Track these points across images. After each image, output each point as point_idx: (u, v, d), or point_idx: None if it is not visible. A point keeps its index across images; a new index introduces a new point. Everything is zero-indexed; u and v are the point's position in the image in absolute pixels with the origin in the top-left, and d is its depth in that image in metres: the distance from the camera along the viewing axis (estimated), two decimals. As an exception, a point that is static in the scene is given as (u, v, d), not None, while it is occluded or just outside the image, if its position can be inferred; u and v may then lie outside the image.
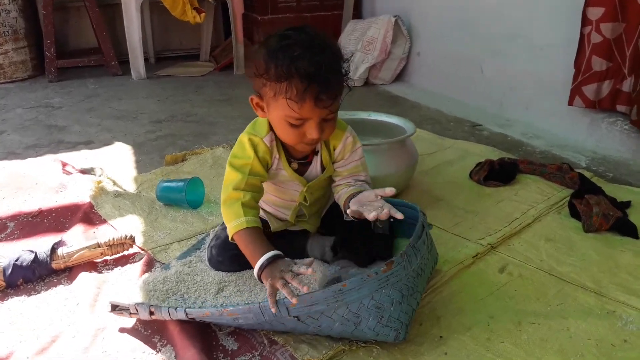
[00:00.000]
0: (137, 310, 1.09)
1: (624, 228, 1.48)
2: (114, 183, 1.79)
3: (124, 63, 3.44)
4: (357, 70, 3.22)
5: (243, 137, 1.18)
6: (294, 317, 0.98)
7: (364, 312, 0.97)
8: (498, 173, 1.81)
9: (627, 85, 1.92)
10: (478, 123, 2.49)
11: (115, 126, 2.47)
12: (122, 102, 2.86)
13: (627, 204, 1.61)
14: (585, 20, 1.97)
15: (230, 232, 1.12)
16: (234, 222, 1.10)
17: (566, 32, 2.18)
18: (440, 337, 1.08)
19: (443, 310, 1.16)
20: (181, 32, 3.97)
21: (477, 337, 1.08)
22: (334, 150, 1.23)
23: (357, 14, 3.66)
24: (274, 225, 1.30)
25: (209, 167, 1.93)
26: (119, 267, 1.34)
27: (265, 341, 1.07)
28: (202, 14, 3.28)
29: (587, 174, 1.82)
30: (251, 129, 1.19)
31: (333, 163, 1.24)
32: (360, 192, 1.17)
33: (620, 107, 1.98)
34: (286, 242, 1.30)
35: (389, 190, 1.07)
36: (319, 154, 1.22)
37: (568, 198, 1.67)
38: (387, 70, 3.28)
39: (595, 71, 1.98)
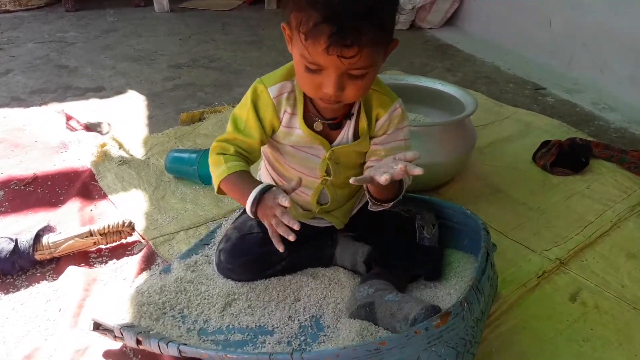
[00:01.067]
0: (122, 335, 0.89)
1: None
2: (120, 146, 1.57)
3: (148, -8, 3.14)
4: (402, 11, 2.85)
5: (252, 86, 0.96)
6: (315, 373, 0.77)
7: (405, 377, 0.75)
8: (567, 157, 1.52)
9: None
10: (541, 86, 2.15)
11: (130, 70, 2.23)
12: (141, 40, 2.60)
13: None
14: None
15: (215, 184, 0.95)
16: (216, 173, 0.93)
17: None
18: (497, 397, 0.86)
19: (501, 354, 0.93)
20: (210, -42, 3.60)
21: (545, 401, 0.86)
22: (377, 121, 0.97)
23: (407, -55, 3.23)
24: (292, 213, 1.06)
25: (229, 130, 1.69)
26: (114, 261, 1.15)
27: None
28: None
29: (677, 166, 1.51)
30: (267, 74, 0.96)
31: (372, 138, 0.98)
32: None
33: None
34: (312, 249, 1.08)
35: (411, 155, 0.80)
36: (353, 119, 0.96)
37: (653, 197, 1.39)
38: (436, 12, 2.91)
39: (701, 36, 1.62)
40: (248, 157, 0.96)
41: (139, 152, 1.56)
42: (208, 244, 1.16)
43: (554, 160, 1.51)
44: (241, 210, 1.15)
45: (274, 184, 0.92)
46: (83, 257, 1.14)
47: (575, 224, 1.28)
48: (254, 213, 0.87)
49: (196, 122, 1.73)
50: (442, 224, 1.07)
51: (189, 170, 1.38)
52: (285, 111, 0.94)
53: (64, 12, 3.00)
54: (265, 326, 0.96)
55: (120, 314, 0.95)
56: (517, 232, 1.25)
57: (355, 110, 0.95)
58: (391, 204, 0.94)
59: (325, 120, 0.95)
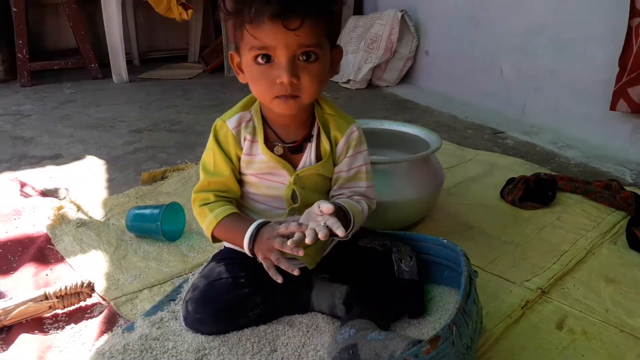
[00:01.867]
0: (82, 402, 0.80)
1: (701, 264, 1.20)
2: (79, 208, 1.50)
3: (106, 65, 3.15)
4: (359, 71, 2.94)
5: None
6: (298, 422, 0.70)
7: (397, 414, 0.69)
8: (534, 192, 1.53)
9: (681, 87, 1.64)
10: (500, 130, 2.21)
11: (89, 137, 2.18)
12: (100, 109, 2.57)
13: (697, 232, 1.33)
14: (633, 11, 1.69)
15: (207, 235, 0.98)
16: (205, 224, 0.97)
17: (604, 23, 1.91)
18: None
19: (494, 389, 0.88)
20: (168, 30, 3.69)
21: None
22: (336, 145, 0.98)
23: (359, 9, 3.38)
24: None
25: (193, 187, 1.63)
26: (72, 325, 1.05)
27: None
28: (189, 10, 2.98)
29: (640, 193, 1.54)
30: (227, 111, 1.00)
31: (335, 165, 0.99)
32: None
33: (673, 112, 1.70)
34: (286, 294, 1.02)
35: (326, 208, 0.83)
36: (314, 142, 0.97)
37: (622, 223, 1.40)
38: (392, 70, 3.00)
39: (644, 70, 1.70)
40: (229, 196, 0.98)
41: (98, 214, 1.49)
42: (174, 300, 1.09)
43: (522, 195, 1.52)
44: (208, 261, 1.09)
45: (265, 220, 0.91)
46: (37, 324, 1.05)
47: (551, 254, 1.27)
48: (252, 250, 0.89)
49: (158, 180, 1.68)
50: (419, 258, 1.04)
51: (152, 227, 1.32)
52: (245, 139, 0.95)
53: (19, 87, 2.96)
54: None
55: (78, 379, 0.86)
56: (495, 265, 1.23)
57: (314, 132, 0.97)
58: (346, 233, 0.91)
59: (285, 144, 0.95)
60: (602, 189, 1.52)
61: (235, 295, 0.96)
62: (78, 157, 1.96)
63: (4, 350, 0.99)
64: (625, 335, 1.01)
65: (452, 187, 1.63)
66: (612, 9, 1.84)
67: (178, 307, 1.05)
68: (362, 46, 2.93)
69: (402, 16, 2.84)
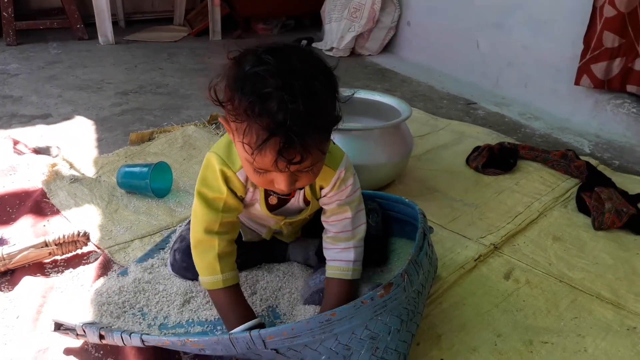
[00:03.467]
0: (84, 332, 0.91)
1: (638, 226, 1.34)
2: (71, 166, 1.59)
3: (91, 26, 3.16)
4: (342, 39, 3.01)
5: (213, 163, 0.94)
6: (273, 349, 0.82)
7: (356, 344, 0.82)
8: (497, 159, 1.66)
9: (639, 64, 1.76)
10: (473, 101, 2.32)
11: (77, 98, 2.24)
12: (87, 70, 2.62)
13: (639, 198, 1.47)
14: (598, -8, 1.80)
15: (204, 285, 0.98)
16: (208, 278, 0.96)
17: (571, 4, 2.01)
18: (442, 361, 0.94)
19: (444, 326, 1.01)
20: (153, -8, 3.68)
21: (484, 363, 0.94)
22: (321, 189, 1.00)
23: (344, -22, 3.42)
24: (247, 237, 1.12)
25: (179, 148, 1.74)
26: (70, 270, 1.16)
27: (238, 368, 0.91)
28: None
29: (593, 162, 1.67)
30: (224, 153, 0.94)
31: (318, 199, 1.02)
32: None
33: (631, 88, 1.83)
34: (265, 248, 1.14)
35: None
36: (303, 189, 1.00)
37: (573, 189, 1.54)
38: (374, 40, 3.08)
39: (606, 48, 1.82)
40: (235, 235, 1.00)
41: (90, 171, 1.58)
42: (163, 249, 1.20)
43: (486, 162, 1.64)
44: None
45: (259, 321, 0.94)
46: (38, 268, 1.15)
47: (506, 215, 1.40)
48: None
49: (146, 141, 1.77)
50: (386, 215, 1.16)
51: (141, 184, 1.42)
52: (249, 189, 0.97)
53: (5, 46, 2.98)
54: (223, 332, 0.97)
55: (80, 315, 0.98)
56: (455, 224, 1.36)
57: None
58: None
59: (279, 196, 0.99)
60: (559, 157, 1.65)
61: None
62: (67, 117, 2.03)
63: (9, 290, 1.10)
64: (563, 284, 1.15)
65: (422, 154, 1.75)
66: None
67: (167, 255, 1.16)
68: (345, 14, 2.99)
69: (385, -14, 2.90)
